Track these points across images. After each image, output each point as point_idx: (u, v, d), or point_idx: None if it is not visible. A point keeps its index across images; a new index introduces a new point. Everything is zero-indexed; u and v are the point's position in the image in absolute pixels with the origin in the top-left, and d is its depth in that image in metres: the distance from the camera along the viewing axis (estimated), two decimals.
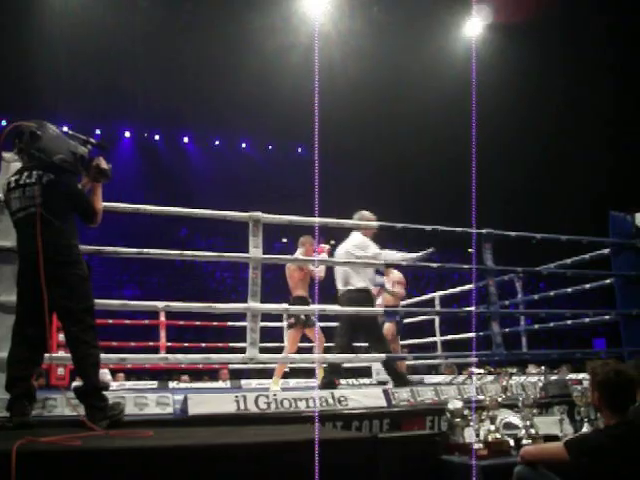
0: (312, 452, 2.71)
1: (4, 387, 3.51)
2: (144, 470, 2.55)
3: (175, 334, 10.21)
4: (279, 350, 8.70)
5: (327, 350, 6.81)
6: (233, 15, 16.91)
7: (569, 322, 7.57)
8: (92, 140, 3.86)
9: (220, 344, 9.08)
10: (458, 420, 4.06)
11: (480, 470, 3.57)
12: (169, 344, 9.01)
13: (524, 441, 3.98)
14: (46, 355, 3.70)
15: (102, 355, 3.75)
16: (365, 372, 9.35)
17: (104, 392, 3.61)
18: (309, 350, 8.07)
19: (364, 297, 6.18)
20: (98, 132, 21.42)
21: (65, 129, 3.81)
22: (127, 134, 24.61)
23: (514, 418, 4.24)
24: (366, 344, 6.87)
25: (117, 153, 22.96)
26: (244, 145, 26.31)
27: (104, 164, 3.81)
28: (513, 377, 5.08)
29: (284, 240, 20.25)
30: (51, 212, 3.53)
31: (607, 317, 6.95)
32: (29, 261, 3.50)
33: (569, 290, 7.42)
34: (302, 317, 6.83)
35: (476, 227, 5.94)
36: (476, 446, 3.84)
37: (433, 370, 11.57)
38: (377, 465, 2.99)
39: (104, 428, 3.30)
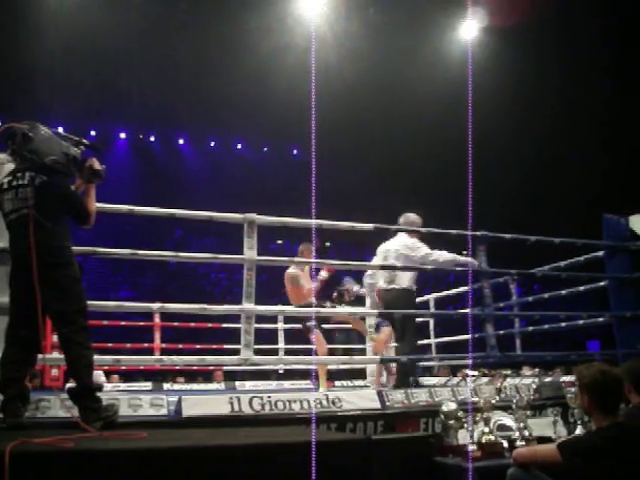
0: (306, 454, 2.71)
1: None
2: (138, 471, 2.55)
3: (170, 336, 10.19)
4: (274, 352, 8.73)
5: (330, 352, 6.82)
6: (229, 16, 16.91)
7: (563, 324, 7.57)
8: (85, 141, 3.85)
9: (214, 346, 9.08)
10: (452, 422, 4.07)
11: (474, 472, 3.57)
12: (164, 345, 9.00)
13: (518, 443, 3.99)
14: (40, 356, 3.70)
15: (97, 356, 3.75)
16: (359, 374, 9.35)
17: (98, 393, 3.60)
18: (308, 352, 8.06)
19: (409, 296, 6.40)
20: (93, 133, 21.40)
21: (60, 129, 3.80)
22: (122, 135, 24.59)
23: (508, 420, 4.25)
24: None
25: (112, 154, 22.92)
26: (239, 146, 26.31)
27: (97, 165, 3.81)
28: (507, 379, 5.11)
29: (279, 241, 20.26)
30: (43, 214, 3.52)
31: (601, 319, 6.97)
32: (22, 262, 3.50)
33: (563, 292, 7.43)
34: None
35: (471, 229, 5.95)
36: (470, 448, 3.85)
37: (427, 372, 11.57)
38: (371, 467, 2.99)
39: (98, 429, 3.29)
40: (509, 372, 5.13)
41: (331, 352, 8.59)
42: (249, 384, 9.56)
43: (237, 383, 9.69)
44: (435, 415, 4.50)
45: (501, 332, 7.64)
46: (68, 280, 3.57)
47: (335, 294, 9.03)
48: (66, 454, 2.53)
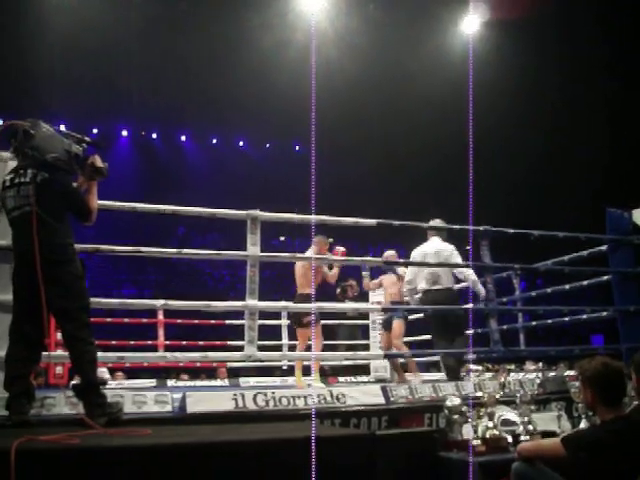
0: (310, 449, 2.71)
1: (3, 386, 3.52)
2: (143, 468, 2.56)
3: (173, 333, 10.20)
4: (277, 348, 8.73)
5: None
6: (230, 12, 16.89)
7: (567, 319, 7.58)
8: (87, 138, 3.86)
9: (218, 342, 9.09)
10: (456, 417, 4.07)
11: (478, 466, 3.58)
12: (167, 342, 9.01)
13: (522, 437, 4.00)
14: (45, 354, 3.71)
15: (101, 354, 3.76)
16: (364, 369, 9.36)
17: (102, 389, 3.61)
18: (310, 348, 8.06)
19: (453, 295, 6.74)
20: (95, 131, 21.40)
21: (62, 127, 3.80)
22: (124, 133, 24.57)
23: (512, 415, 4.25)
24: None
25: (114, 152, 22.93)
26: (241, 143, 26.28)
27: (99, 162, 3.81)
28: (511, 374, 5.10)
29: (282, 238, 20.27)
30: (46, 211, 3.53)
31: (605, 314, 6.96)
32: (24, 260, 3.51)
33: (567, 287, 7.43)
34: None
35: (474, 223, 5.96)
36: (474, 443, 3.85)
37: (432, 367, 11.57)
38: (375, 462, 2.99)
39: (103, 424, 3.31)
40: (513, 367, 5.12)
41: (334, 348, 8.61)
42: (253, 380, 9.57)
43: (241, 379, 9.70)
44: (439, 410, 4.51)
45: (505, 327, 7.64)
46: (71, 277, 3.58)
47: (339, 290, 9.04)
48: (71, 451, 2.54)
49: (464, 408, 4.09)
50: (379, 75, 18.56)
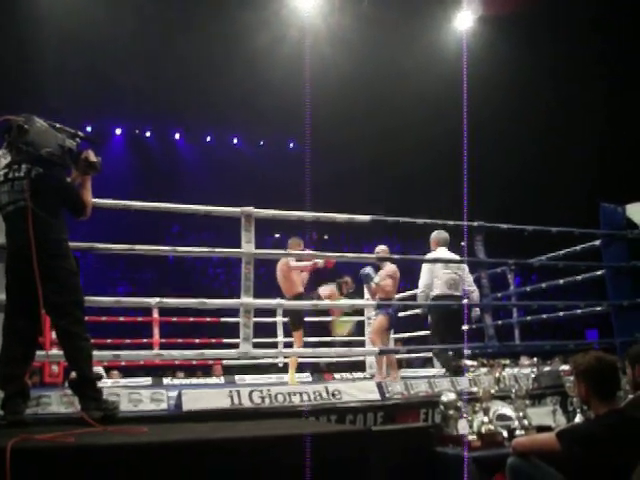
0: (306, 445, 2.72)
1: None
2: (138, 466, 2.56)
3: (168, 331, 10.19)
4: (273, 345, 8.74)
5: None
6: (224, 10, 16.84)
7: (561, 314, 7.60)
8: (80, 133, 3.86)
9: (214, 340, 9.08)
10: (452, 412, 4.08)
11: (474, 461, 3.59)
12: (163, 340, 9.00)
13: (517, 432, 4.01)
14: (41, 352, 3.70)
15: (96, 352, 3.76)
16: (359, 366, 9.38)
17: (98, 384, 3.61)
18: (306, 345, 8.08)
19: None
20: (89, 129, 21.33)
21: (58, 126, 3.79)
22: (118, 131, 24.51)
23: (507, 409, 4.26)
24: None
25: (108, 150, 22.87)
26: (235, 140, 26.25)
27: (93, 157, 3.81)
28: (506, 369, 5.11)
29: (276, 235, 20.24)
30: (40, 206, 3.52)
31: (599, 308, 6.99)
32: (19, 255, 3.50)
33: (561, 282, 7.45)
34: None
35: (468, 219, 5.97)
36: (469, 438, 3.86)
37: (428, 363, 11.59)
38: (371, 458, 3.00)
39: (98, 418, 3.31)
40: (508, 362, 5.13)
41: (330, 344, 8.62)
42: (249, 378, 9.57)
43: (237, 377, 9.70)
44: (435, 406, 4.51)
45: (499, 322, 7.67)
46: (65, 273, 3.57)
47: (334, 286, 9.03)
48: (67, 450, 2.54)
49: (459, 403, 4.10)
50: (373, 72, 18.55)
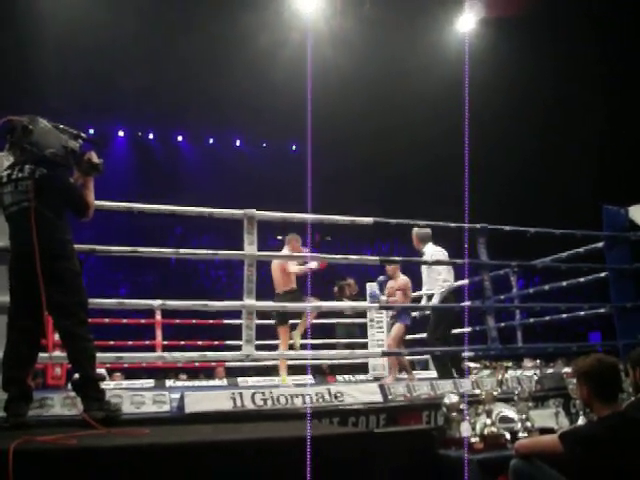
0: (309, 448, 2.72)
1: (0, 387, 3.51)
2: (141, 468, 2.56)
3: (171, 333, 10.20)
4: (275, 347, 8.73)
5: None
6: (226, 12, 16.86)
7: (564, 316, 7.59)
8: (83, 135, 3.86)
9: (216, 342, 9.08)
10: (454, 414, 4.08)
11: (476, 464, 3.59)
12: (165, 343, 9.01)
13: (520, 434, 4.01)
14: (44, 355, 3.70)
15: (99, 354, 3.75)
16: (361, 368, 9.37)
17: (101, 385, 3.61)
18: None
19: None
20: (92, 131, 21.35)
21: (61, 126, 3.80)
22: (121, 133, 24.55)
23: (510, 412, 4.26)
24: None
25: (111, 152, 22.89)
26: (238, 142, 26.27)
27: (95, 158, 3.81)
28: (509, 371, 5.11)
29: (279, 237, 20.24)
30: (44, 206, 3.52)
31: (602, 310, 6.97)
32: (23, 255, 3.49)
33: (564, 284, 7.43)
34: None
35: (470, 221, 5.96)
36: (472, 440, 3.86)
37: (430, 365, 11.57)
38: (373, 460, 3.00)
39: (100, 419, 3.31)
40: (510, 364, 5.13)
41: (332, 346, 8.62)
42: (251, 380, 9.56)
43: (239, 379, 9.70)
44: (437, 408, 4.51)
45: (502, 324, 7.65)
46: (69, 273, 3.57)
47: (336, 288, 9.04)
48: (69, 452, 2.54)
49: (462, 406, 4.09)
50: (375, 73, 18.55)
